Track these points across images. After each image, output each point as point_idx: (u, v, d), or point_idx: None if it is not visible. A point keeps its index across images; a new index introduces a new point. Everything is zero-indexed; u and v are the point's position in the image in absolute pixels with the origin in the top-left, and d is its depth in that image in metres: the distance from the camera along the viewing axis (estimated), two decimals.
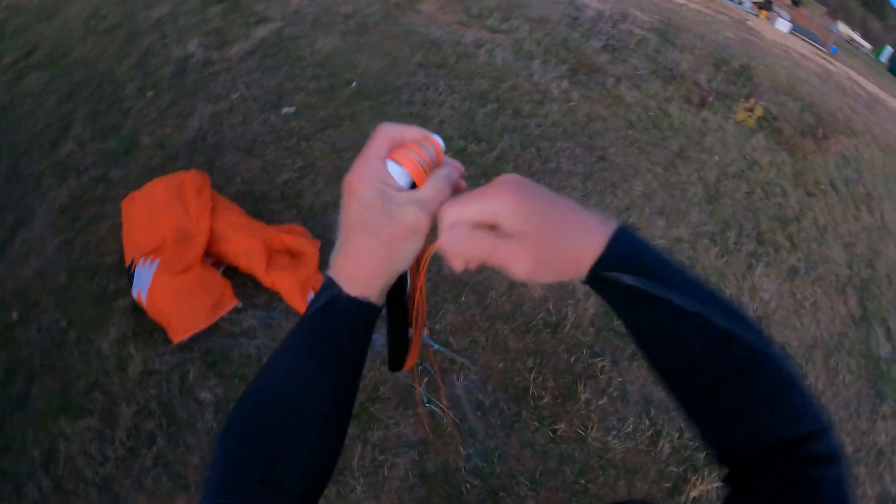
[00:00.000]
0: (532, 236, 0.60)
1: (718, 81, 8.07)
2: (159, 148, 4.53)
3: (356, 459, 2.83)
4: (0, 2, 6.85)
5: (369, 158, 0.65)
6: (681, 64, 8.00)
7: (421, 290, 0.73)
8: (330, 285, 0.65)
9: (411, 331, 0.79)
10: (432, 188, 0.65)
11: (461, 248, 0.62)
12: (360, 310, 0.65)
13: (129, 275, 3.33)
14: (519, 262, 0.60)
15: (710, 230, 5.01)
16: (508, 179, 0.62)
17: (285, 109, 5.03)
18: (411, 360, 0.81)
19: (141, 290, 3.20)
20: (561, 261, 0.61)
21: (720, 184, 5.76)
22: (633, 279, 0.61)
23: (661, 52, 8.39)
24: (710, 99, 7.31)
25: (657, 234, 4.67)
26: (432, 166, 0.68)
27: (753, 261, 4.85)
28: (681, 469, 3.18)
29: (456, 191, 0.69)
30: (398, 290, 0.73)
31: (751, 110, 7.26)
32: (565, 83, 6.41)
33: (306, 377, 0.65)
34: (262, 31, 6.14)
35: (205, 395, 2.98)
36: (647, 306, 0.61)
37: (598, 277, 0.62)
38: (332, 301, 0.65)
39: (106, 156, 4.45)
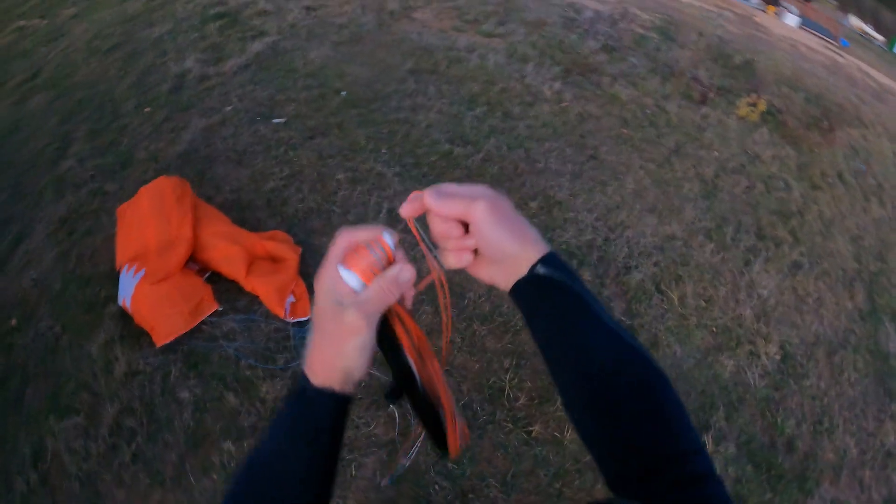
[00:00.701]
0: (492, 198, 0.73)
1: (720, 77, 8.02)
2: (153, 161, 4.69)
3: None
4: (8, 25, 7.08)
5: (326, 265, 0.76)
6: (681, 61, 7.98)
7: (437, 374, 0.81)
8: (302, 376, 0.75)
9: (443, 412, 0.80)
10: (373, 291, 0.73)
11: (438, 203, 0.75)
12: (323, 397, 0.73)
13: (119, 281, 3.48)
14: (479, 206, 0.73)
15: (706, 226, 4.97)
16: (482, 189, 0.75)
17: (276, 120, 5.12)
18: (455, 441, 0.80)
19: (125, 298, 3.37)
20: (508, 258, 0.75)
21: (718, 179, 5.71)
22: (566, 277, 0.73)
23: (661, 50, 8.37)
24: (711, 95, 7.27)
25: (648, 231, 4.65)
26: (382, 265, 0.76)
27: (752, 256, 4.79)
28: None
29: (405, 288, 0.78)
30: (408, 380, 0.79)
31: (753, 105, 7.19)
32: (558, 84, 6.44)
33: (284, 451, 0.75)
34: (257, 46, 6.27)
35: (184, 395, 3.10)
36: (573, 306, 0.74)
37: (534, 275, 0.74)
38: (301, 390, 0.75)
39: (103, 171, 4.63)
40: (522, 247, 0.75)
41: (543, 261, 0.74)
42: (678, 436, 0.69)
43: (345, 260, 0.75)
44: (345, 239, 0.77)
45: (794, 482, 3.31)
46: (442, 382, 0.80)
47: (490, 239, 0.74)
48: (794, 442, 3.55)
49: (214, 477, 2.82)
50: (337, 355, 0.72)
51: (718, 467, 3.20)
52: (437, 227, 0.78)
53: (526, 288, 0.76)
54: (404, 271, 0.76)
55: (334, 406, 0.74)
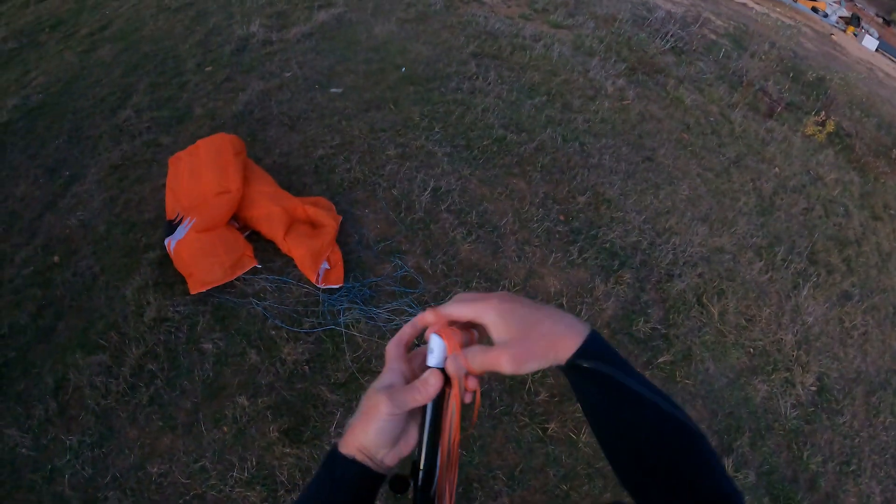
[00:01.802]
0: (512, 337, 0.76)
1: (790, 92, 7.77)
2: (209, 119, 4.76)
3: (334, 427, 2.86)
4: None
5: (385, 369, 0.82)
6: (751, 71, 7.74)
7: (451, 484, 0.83)
8: (334, 443, 0.80)
9: None
10: (405, 395, 0.77)
11: (462, 368, 0.78)
12: (346, 464, 0.78)
13: (172, 227, 3.55)
14: (502, 361, 0.75)
15: (758, 243, 4.82)
16: (496, 294, 0.78)
17: (333, 90, 5.13)
18: None
19: (173, 241, 3.44)
20: (540, 354, 0.76)
21: (776, 196, 5.53)
22: (605, 367, 0.76)
23: (732, 58, 8.16)
24: (779, 109, 7.04)
25: (696, 240, 4.52)
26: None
27: (801, 280, 4.63)
28: None
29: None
30: (427, 479, 0.82)
31: (822, 125, 6.93)
32: (622, 81, 6.31)
33: None
34: (323, 15, 6.29)
35: (207, 346, 3.15)
36: (615, 390, 0.77)
37: (574, 365, 0.76)
38: (331, 454, 0.79)
39: (159, 123, 4.73)
40: (555, 336, 0.78)
41: (584, 349, 0.76)
42: (719, 481, 0.74)
43: (440, 331, 0.79)
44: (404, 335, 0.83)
45: None
46: (452, 497, 0.83)
47: (506, 333, 0.77)
48: (817, 480, 3.42)
49: (225, 429, 2.85)
50: (361, 431, 0.77)
51: None
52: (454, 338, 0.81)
53: (570, 375, 0.80)
54: (432, 378, 0.79)
55: (356, 474, 0.78)
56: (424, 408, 0.80)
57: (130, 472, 2.70)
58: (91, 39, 5.98)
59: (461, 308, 0.79)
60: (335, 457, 0.78)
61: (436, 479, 0.82)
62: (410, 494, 0.82)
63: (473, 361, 0.77)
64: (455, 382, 0.79)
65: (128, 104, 4.92)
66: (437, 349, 0.79)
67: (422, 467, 0.81)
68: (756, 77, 7.58)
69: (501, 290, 3.65)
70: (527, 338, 0.76)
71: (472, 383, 0.81)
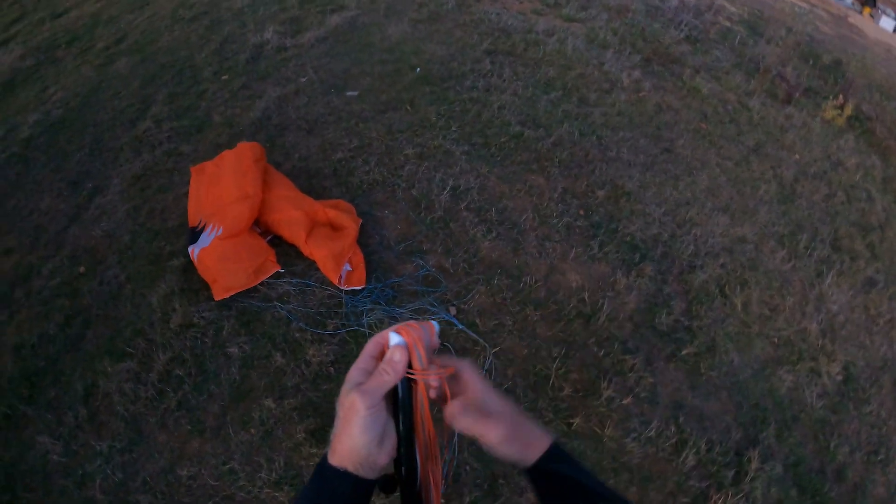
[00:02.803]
0: (509, 420, 0.85)
1: (807, 77, 7.67)
2: (227, 126, 4.82)
3: None
4: None
5: (355, 364, 0.84)
6: (767, 57, 7.64)
7: (435, 479, 0.87)
8: (324, 456, 0.81)
9: None
10: (373, 382, 0.79)
11: (462, 422, 0.84)
12: (338, 477, 0.78)
13: (195, 234, 3.60)
14: (494, 432, 0.84)
15: (780, 231, 4.77)
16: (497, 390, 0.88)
17: (349, 93, 5.16)
18: None
19: (197, 250, 3.49)
20: (518, 447, 0.87)
21: (797, 184, 5.47)
22: (564, 467, 0.88)
23: (747, 45, 8.07)
24: (797, 94, 6.96)
25: (717, 231, 4.49)
26: (426, 342, 0.84)
27: (824, 268, 4.57)
28: (703, 485, 3.03)
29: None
30: (410, 475, 0.85)
31: (840, 109, 6.84)
32: (637, 73, 6.26)
33: None
34: (336, 19, 6.33)
35: (233, 350, 3.19)
36: (571, 486, 0.86)
37: (539, 467, 0.87)
38: (319, 467, 0.80)
39: (179, 133, 4.79)
40: (533, 432, 0.90)
41: (548, 454, 0.88)
42: None
43: (396, 329, 0.82)
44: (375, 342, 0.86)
45: None
46: (437, 488, 0.87)
47: (505, 415, 0.87)
48: (844, 470, 3.38)
49: (252, 431, 2.89)
50: (347, 436, 0.77)
51: (762, 486, 3.07)
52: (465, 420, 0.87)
53: (533, 475, 0.89)
54: (396, 353, 0.81)
55: (350, 487, 0.78)
56: (397, 405, 0.82)
57: (160, 476, 2.74)
58: (107, 53, 6.07)
59: (470, 372, 0.87)
60: (325, 470, 0.78)
61: (418, 473, 0.84)
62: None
63: (465, 414, 0.84)
64: (417, 368, 0.81)
65: (147, 115, 5.00)
66: (396, 340, 0.81)
67: (403, 463, 0.83)
68: (773, 63, 7.49)
69: (523, 286, 3.68)
70: (517, 429, 0.86)
71: (434, 382, 0.85)
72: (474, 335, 3.38)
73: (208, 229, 3.54)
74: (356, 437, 0.77)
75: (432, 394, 0.85)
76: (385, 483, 0.84)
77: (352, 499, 0.78)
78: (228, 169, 3.82)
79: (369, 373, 0.80)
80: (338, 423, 0.79)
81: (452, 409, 0.84)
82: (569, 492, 0.86)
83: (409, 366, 0.81)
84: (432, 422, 0.84)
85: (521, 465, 0.88)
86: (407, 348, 0.80)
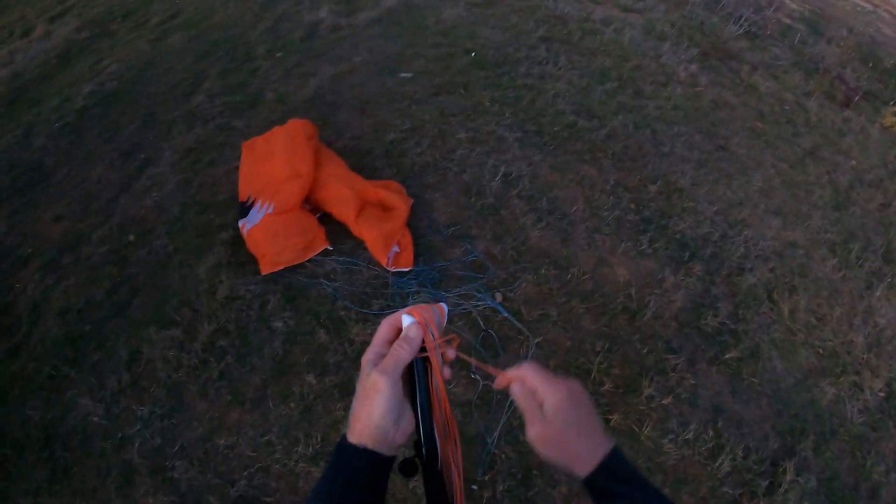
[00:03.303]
0: (554, 426, 0.86)
1: (868, 80, 7.41)
2: (280, 103, 4.84)
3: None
4: None
5: (369, 347, 0.87)
6: (827, 57, 7.40)
7: (455, 459, 0.87)
8: (343, 435, 0.83)
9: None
10: (391, 360, 0.82)
11: (517, 397, 0.90)
12: (358, 455, 0.80)
13: (245, 209, 3.64)
14: (534, 429, 0.86)
15: (832, 239, 4.63)
16: (570, 381, 0.90)
17: (403, 74, 5.15)
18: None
19: (249, 225, 3.52)
20: (564, 454, 0.87)
21: (852, 190, 5.31)
22: (616, 485, 0.85)
23: (807, 44, 7.81)
24: (856, 98, 6.74)
25: (770, 234, 4.37)
26: (438, 322, 0.88)
27: (875, 280, 4.41)
28: (737, 492, 2.94)
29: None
30: (430, 456, 0.86)
31: None
32: (694, 67, 6.12)
33: (322, 499, 0.81)
34: (391, 1, 6.29)
35: (278, 325, 3.20)
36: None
37: (592, 481, 0.86)
38: (339, 445, 0.82)
39: (231, 108, 4.83)
40: (585, 448, 0.88)
41: (601, 467, 0.86)
42: None
43: (408, 311, 0.86)
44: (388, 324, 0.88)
45: None
46: (458, 468, 0.87)
47: (552, 416, 0.87)
48: (879, 490, 3.23)
49: (292, 405, 2.90)
50: (366, 415, 0.80)
51: (794, 499, 3.00)
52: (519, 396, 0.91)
53: (588, 487, 0.88)
54: (411, 329, 0.84)
55: (368, 463, 0.80)
56: (414, 387, 0.84)
57: (198, 444, 2.78)
58: (162, 28, 6.15)
59: (532, 373, 0.89)
60: (345, 448, 0.80)
61: (438, 453, 0.85)
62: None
63: (522, 400, 0.89)
64: (430, 347, 0.84)
65: (200, 90, 5.05)
66: (409, 320, 0.85)
67: (423, 444, 0.84)
68: (832, 64, 7.27)
69: (570, 277, 3.65)
70: (562, 437, 0.86)
71: (451, 354, 0.87)
72: (518, 324, 3.32)
73: (258, 205, 3.57)
74: (375, 416, 0.79)
75: (447, 374, 0.87)
76: (405, 466, 0.86)
77: (370, 475, 0.80)
78: (280, 146, 3.83)
79: (384, 356, 0.83)
80: (356, 402, 0.82)
81: (515, 391, 0.89)
82: None
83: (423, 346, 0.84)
84: (448, 402, 0.86)
85: (574, 475, 0.89)
86: (419, 327, 0.84)
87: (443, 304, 0.90)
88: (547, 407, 0.86)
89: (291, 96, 4.90)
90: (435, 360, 0.84)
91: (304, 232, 3.50)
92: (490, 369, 0.90)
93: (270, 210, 3.49)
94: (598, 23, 6.45)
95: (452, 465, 0.86)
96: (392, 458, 0.83)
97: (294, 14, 6.13)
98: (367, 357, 0.84)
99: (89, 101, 5.08)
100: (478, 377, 3.06)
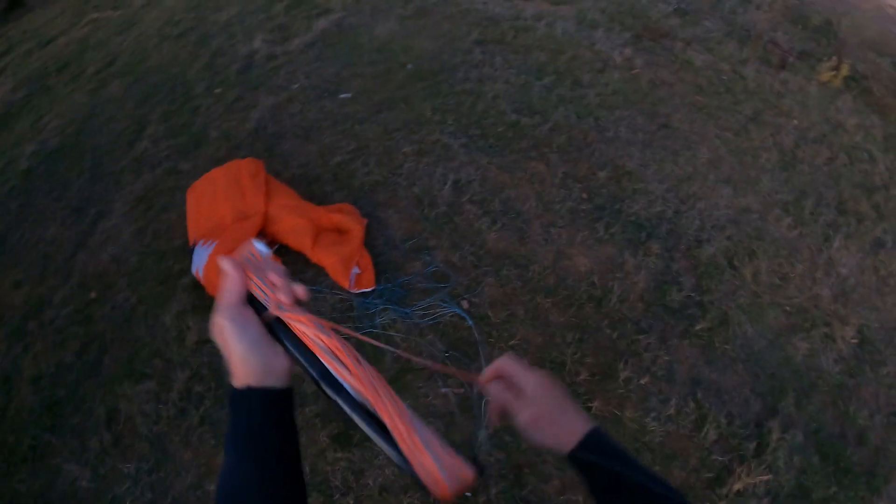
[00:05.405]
0: (539, 405, 0.90)
1: (799, 40, 7.59)
2: (225, 140, 4.84)
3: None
4: (83, 17, 7.43)
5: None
6: (758, 23, 7.56)
7: (371, 381, 0.80)
8: (228, 385, 0.80)
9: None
10: (218, 299, 0.83)
11: (495, 396, 0.94)
12: (245, 396, 0.77)
13: (192, 255, 3.63)
14: (521, 415, 0.89)
15: (784, 199, 4.73)
16: (542, 372, 0.95)
17: (342, 95, 5.17)
18: (440, 484, 0.73)
19: (199, 268, 3.51)
20: (549, 434, 0.91)
21: (798, 149, 5.43)
22: (599, 458, 0.88)
23: (737, 13, 7.98)
24: (791, 59, 6.90)
25: (721, 203, 4.47)
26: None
27: (831, 232, 4.53)
28: (726, 458, 3.02)
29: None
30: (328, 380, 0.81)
31: (836, 70, 6.78)
32: (629, 50, 6.23)
33: (232, 462, 0.77)
34: (323, 23, 6.33)
35: None
36: (607, 478, 0.88)
37: (576, 456, 0.89)
38: (229, 398, 0.79)
39: (177, 150, 4.82)
40: (569, 422, 0.93)
41: (584, 443, 0.90)
42: None
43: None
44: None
45: (862, 477, 3.11)
46: (383, 390, 0.79)
47: (533, 402, 0.92)
48: (865, 434, 3.34)
49: None
50: (232, 354, 0.77)
51: (784, 456, 3.06)
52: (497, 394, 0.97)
53: (573, 464, 0.92)
54: (223, 264, 0.84)
55: (262, 401, 0.77)
56: (281, 334, 0.82)
57: (189, 492, 2.78)
58: (99, 77, 6.10)
59: (509, 364, 0.94)
60: (235, 396, 0.77)
61: (344, 384, 0.80)
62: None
63: (501, 397, 0.95)
64: (256, 280, 0.84)
65: (144, 135, 5.02)
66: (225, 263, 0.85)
67: (317, 379, 0.81)
68: (764, 29, 7.42)
69: (532, 274, 3.68)
70: (548, 415, 0.91)
71: (275, 279, 0.85)
72: (476, 336, 3.38)
73: (200, 243, 3.58)
74: (238, 350, 0.77)
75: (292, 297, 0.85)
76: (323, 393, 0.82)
77: (268, 410, 0.78)
78: (221, 189, 3.82)
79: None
80: (224, 352, 0.79)
81: (487, 383, 0.94)
82: (602, 480, 0.89)
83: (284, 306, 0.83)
84: (311, 325, 0.83)
85: (558, 452, 0.91)
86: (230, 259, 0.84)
87: (253, 241, 0.89)
88: (528, 390, 0.90)
89: (235, 131, 4.90)
90: (260, 289, 0.84)
91: None
92: (468, 375, 0.96)
93: (215, 244, 3.48)
94: (530, 19, 6.52)
95: (395, 415, 0.77)
96: (288, 390, 0.81)
97: (229, 48, 6.12)
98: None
99: (34, 161, 5.04)
100: (448, 393, 3.07)
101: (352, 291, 3.47)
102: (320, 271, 3.60)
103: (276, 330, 0.82)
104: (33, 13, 8.31)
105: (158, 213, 4.22)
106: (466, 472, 0.75)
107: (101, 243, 4.08)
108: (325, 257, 3.53)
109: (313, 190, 4.19)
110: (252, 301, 0.84)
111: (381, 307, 3.40)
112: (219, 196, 3.79)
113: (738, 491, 2.91)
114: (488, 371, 0.95)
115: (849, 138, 5.78)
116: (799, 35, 7.72)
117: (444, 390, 3.10)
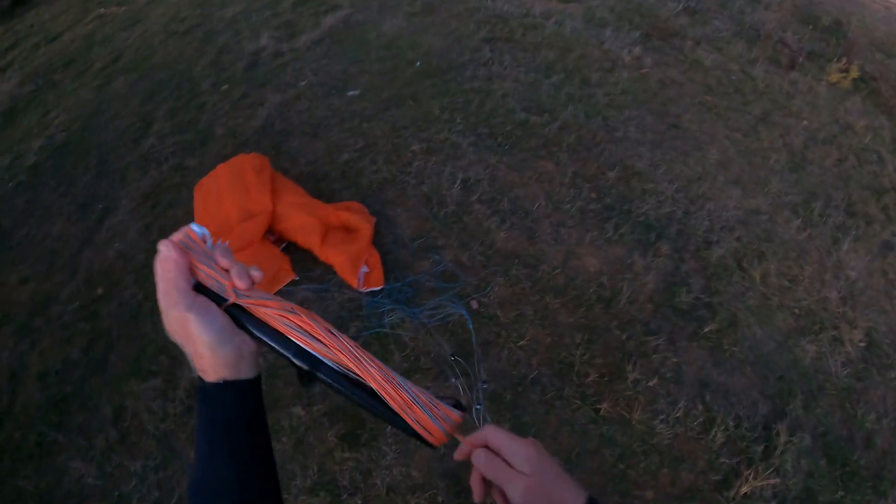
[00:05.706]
0: (534, 476, 0.81)
1: (809, 40, 7.56)
2: (231, 137, 4.82)
3: (388, 427, 2.88)
4: (89, 14, 7.43)
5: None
6: (767, 23, 7.53)
7: (350, 352, 0.79)
8: (199, 379, 0.78)
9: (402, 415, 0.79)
10: (160, 288, 0.78)
11: (483, 465, 0.83)
12: (218, 390, 0.76)
13: None
14: (517, 483, 0.80)
15: (793, 201, 4.71)
16: (531, 439, 0.85)
17: (350, 93, 5.15)
18: (434, 432, 0.79)
19: None
20: (548, 501, 0.82)
21: (807, 150, 5.41)
22: None
23: (746, 13, 7.95)
24: (800, 59, 6.87)
25: (731, 204, 4.44)
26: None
27: (840, 234, 4.51)
28: (734, 461, 3.00)
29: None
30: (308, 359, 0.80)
31: (845, 71, 6.75)
32: (638, 49, 6.19)
33: (205, 457, 0.76)
34: (330, 20, 6.30)
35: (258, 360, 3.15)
36: None
37: None
38: (201, 392, 0.78)
39: (183, 147, 4.81)
40: (564, 495, 0.83)
41: None
42: None
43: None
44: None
45: (869, 481, 3.09)
46: (363, 356, 0.78)
47: (529, 471, 0.82)
48: (873, 438, 3.32)
49: (283, 440, 2.89)
50: (199, 346, 0.75)
51: (791, 459, 3.04)
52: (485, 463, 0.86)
53: None
54: (161, 247, 0.78)
55: (235, 394, 0.76)
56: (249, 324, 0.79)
57: None
58: (105, 73, 6.10)
59: (495, 434, 0.85)
60: (209, 390, 0.76)
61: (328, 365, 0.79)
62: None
63: (490, 466, 0.84)
64: (198, 264, 0.80)
65: (150, 132, 5.02)
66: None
67: (291, 359, 0.79)
68: (773, 29, 7.39)
69: (541, 274, 3.67)
70: (544, 487, 0.82)
71: (225, 263, 0.82)
72: (474, 344, 3.36)
73: (209, 244, 3.53)
74: (207, 342, 0.74)
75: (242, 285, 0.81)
76: (301, 377, 0.81)
77: (243, 404, 0.77)
78: (226, 186, 3.80)
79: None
80: (187, 348, 0.77)
81: (478, 458, 0.84)
82: None
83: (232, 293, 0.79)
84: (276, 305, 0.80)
85: None
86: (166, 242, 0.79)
87: (191, 226, 0.84)
88: (519, 461, 0.83)
89: (241, 129, 4.88)
90: (206, 274, 0.80)
91: (267, 266, 3.47)
92: (439, 437, 0.84)
93: (226, 245, 3.44)
94: (539, 17, 6.49)
95: (385, 385, 0.77)
96: (256, 378, 0.80)
97: (235, 44, 6.10)
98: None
99: (41, 157, 5.04)
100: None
101: (360, 290, 3.44)
102: (328, 270, 3.58)
103: (237, 316, 0.79)
104: (39, 8, 8.31)
105: (165, 210, 4.21)
106: (454, 416, 0.81)
107: (108, 240, 4.07)
108: (334, 256, 3.50)
109: (321, 188, 4.16)
110: (200, 290, 0.79)
111: (390, 306, 3.39)
112: (223, 194, 3.78)
113: (746, 494, 2.88)
114: (471, 438, 0.88)
115: (858, 140, 5.76)
116: (808, 35, 7.68)
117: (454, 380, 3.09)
